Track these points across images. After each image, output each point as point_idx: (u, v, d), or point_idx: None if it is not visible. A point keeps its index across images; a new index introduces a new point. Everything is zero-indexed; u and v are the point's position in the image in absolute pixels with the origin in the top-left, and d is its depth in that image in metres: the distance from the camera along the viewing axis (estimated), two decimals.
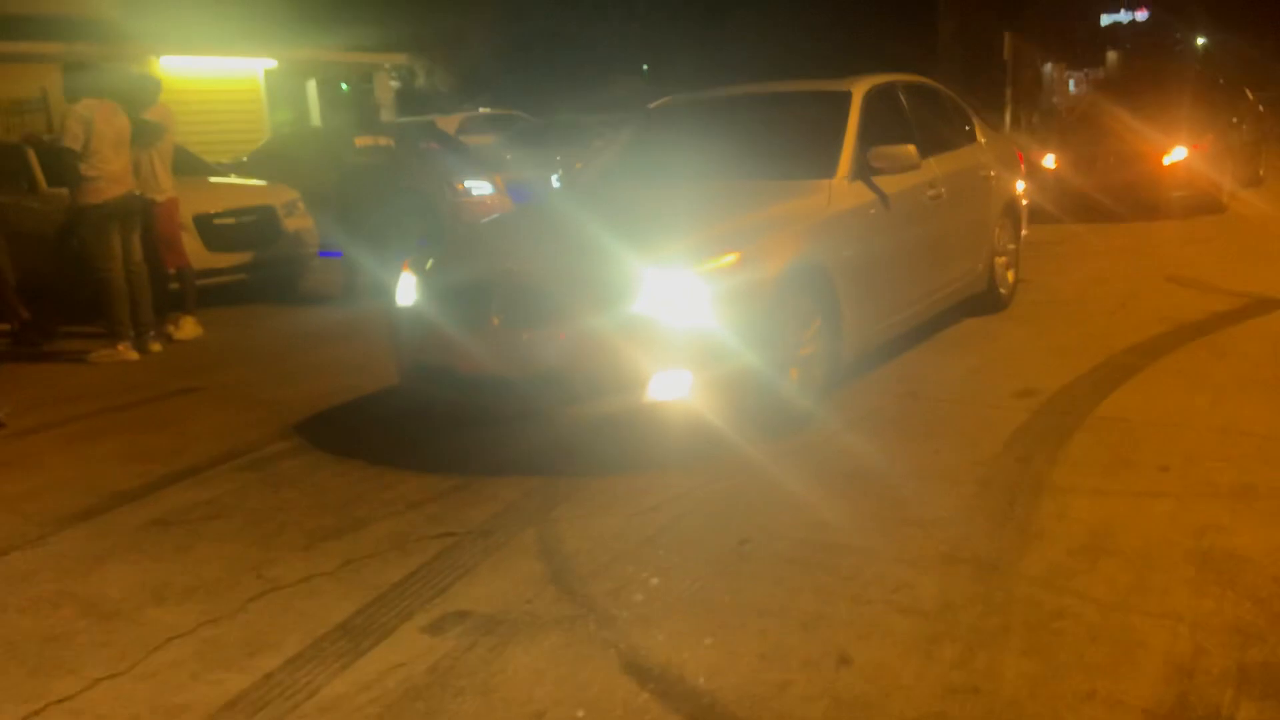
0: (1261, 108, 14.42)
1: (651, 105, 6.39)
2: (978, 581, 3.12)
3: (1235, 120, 12.56)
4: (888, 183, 5.36)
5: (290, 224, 9.62)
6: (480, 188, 11.68)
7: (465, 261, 4.83)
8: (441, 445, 4.66)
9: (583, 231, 4.76)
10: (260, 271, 9.32)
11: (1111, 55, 25.68)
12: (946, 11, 22.71)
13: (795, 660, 2.73)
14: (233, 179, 10.54)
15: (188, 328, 7.76)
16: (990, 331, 6.47)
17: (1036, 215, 11.75)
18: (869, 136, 5.40)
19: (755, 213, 4.74)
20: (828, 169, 5.18)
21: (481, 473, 4.29)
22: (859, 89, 5.67)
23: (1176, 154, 11.21)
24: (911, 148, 5.23)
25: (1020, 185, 7.48)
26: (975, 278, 6.61)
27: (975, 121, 6.96)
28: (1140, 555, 3.25)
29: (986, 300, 6.88)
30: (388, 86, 25.27)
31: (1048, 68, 36.72)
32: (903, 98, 6.10)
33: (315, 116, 23.73)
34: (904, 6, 27.75)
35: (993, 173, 6.73)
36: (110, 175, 6.97)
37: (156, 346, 7.32)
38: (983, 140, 6.88)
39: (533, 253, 4.60)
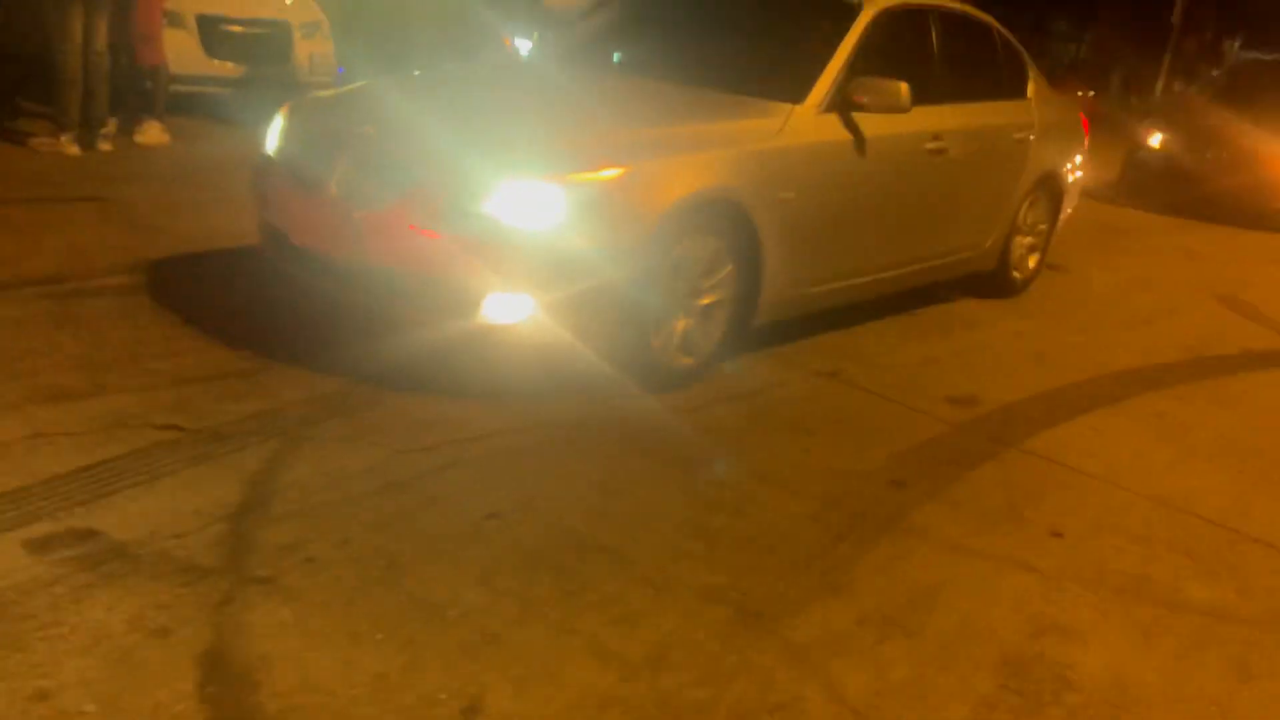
0: None
1: None
2: (726, 632, 2.47)
3: None
4: (872, 122, 4.51)
5: (306, 46, 9.02)
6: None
7: (334, 111, 4.17)
8: (271, 319, 4.11)
9: (477, 113, 4.07)
10: (261, 89, 8.77)
11: None
12: None
13: (412, 696, 2.15)
14: None
15: (151, 133, 7.28)
16: (977, 319, 5.63)
17: (1114, 197, 10.63)
18: (865, 65, 4.53)
19: (678, 126, 3.97)
20: (797, 93, 4.35)
21: (285, 359, 3.73)
22: (874, 5, 4.76)
23: None
24: (902, 85, 4.35)
25: (1076, 158, 6.49)
26: (980, 254, 5.73)
27: (1030, 73, 5.95)
28: (942, 645, 2.56)
29: (993, 282, 6.02)
30: None
31: (1236, 43, 33.36)
32: (935, 28, 5.15)
33: None
34: None
35: (1031, 136, 5.76)
36: None
37: (107, 146, 6.86)
38: (1032, 97, 5.89)
39: (407, 119, 3.91)
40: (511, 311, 3.49)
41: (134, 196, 5.83)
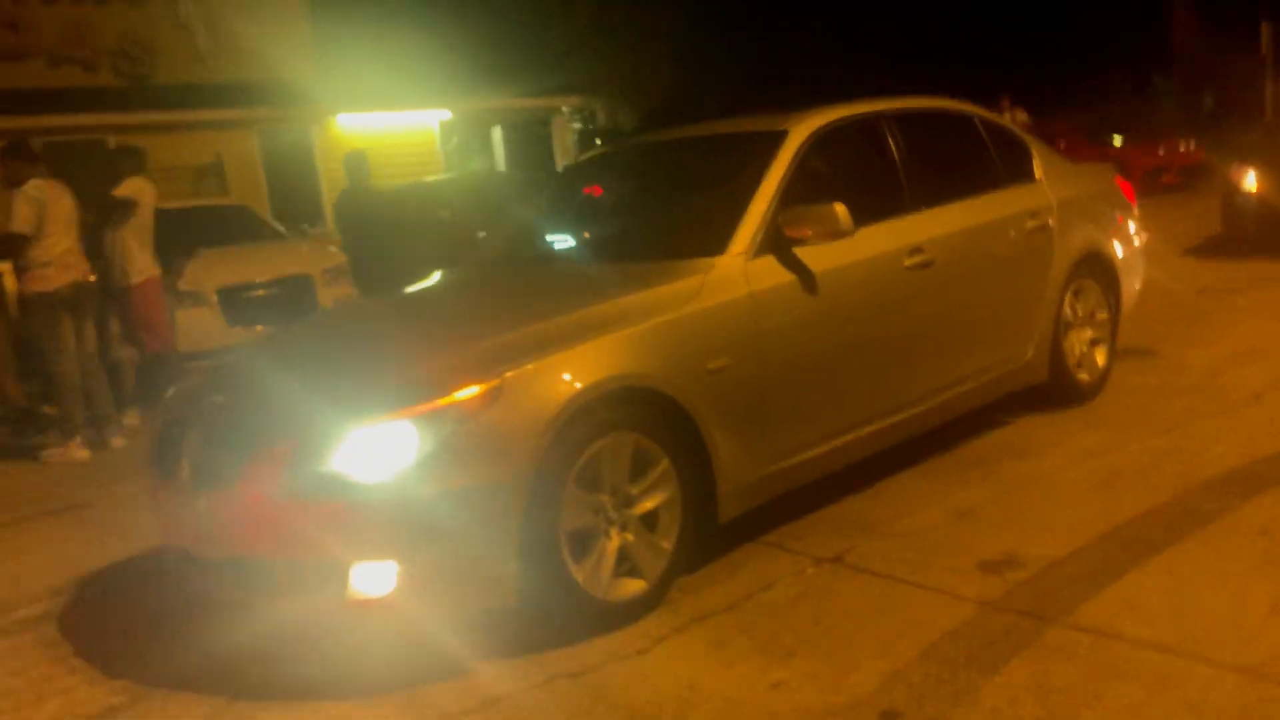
0: None
1: (580, 159, 5.14)
2: None
3: None
4: (826, 255, 3.86)
5: (329, 293, 9.00)
6: None
7: (192, 386, 3.78)
8: (165, 637, 3.63)
9: (342, 353, 3.62)
10: None
11: None
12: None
13: None
14: (289, 243, 10.10)
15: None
16: (1033, 442, 4.72)
17: (1219, 250, 9.50)
18: (804, 195, 3.92)
19: (567, 315, 3.39)
20: (716, 244, 3.76)
21: (164, 684, 3.21)
22: (801, 128, 4.18)
23: None
24: (836, 207, 3.71)
25: (1128, 227, 5.63)
26: (1024, 365, 4.88)
27: (1035, 152, 5.21)
28: None
29: (1057, 392, 5.12)
30: (565, 129, 24.95)
31: None
32: (891, 133, 4.51)
33: (502, 162, 23.83)
34: None
35: (1050, 221, 4.97)
36: (60, 261, 6.48)
37: (120, 441, 6.77)
38: (1042, 178, 5.13)
39: (263, 378, 3.48)
40: (381, 582, 2.90)
41: (125, 496, 5.58)
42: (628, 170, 4.77)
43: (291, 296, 8.80)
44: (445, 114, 22.24)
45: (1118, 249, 5.44)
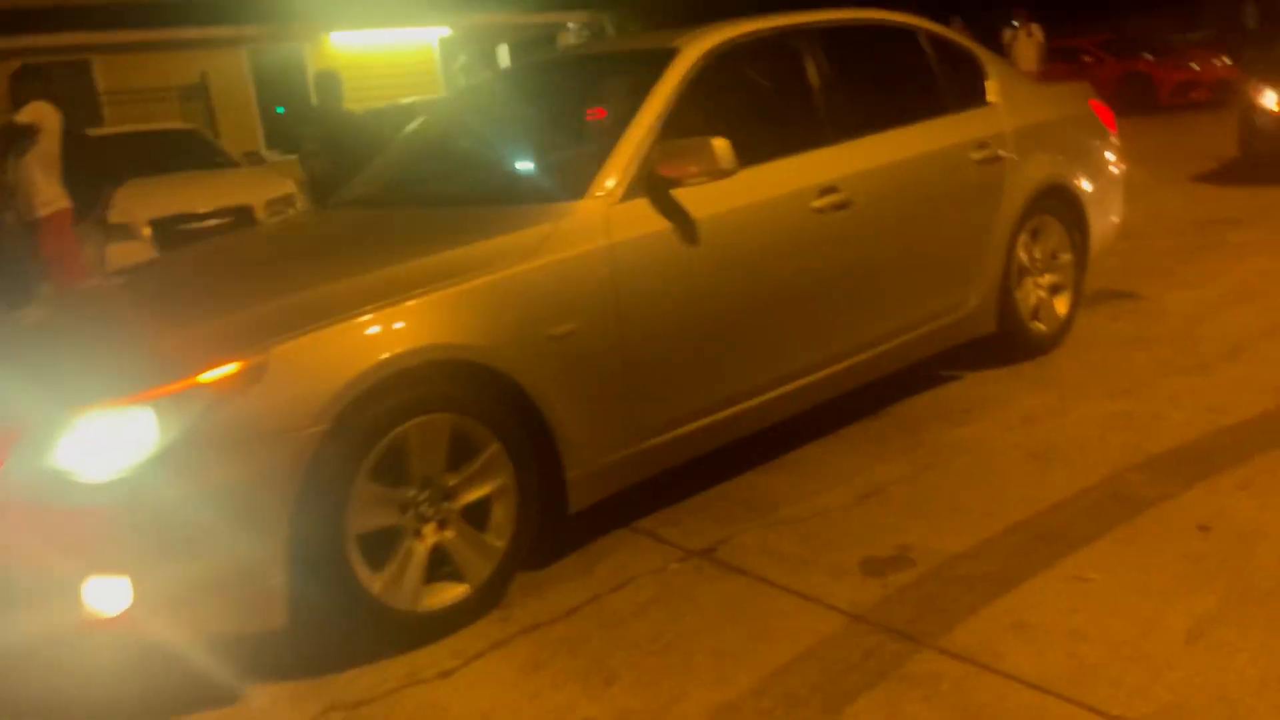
0: None
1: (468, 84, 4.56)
2: None
3: None
4: (709, 198, 3.31)
5: None
6: None
7: None
8: None
9: (109, 318, 3.14)
10: None
11: None
12: None
13: None
14: (233, 172, 9.56)
15: None
16: (976, 403, 4.19)
17: (1232, 175, 8.76)
18: (693, 127, 3.35)
19: (374, 271, 2.87)
20: (574, 185, 3.21)
21: None
22: (694, 47, 3.59)
23: None
24: (715, 141, 3.14)
25: (1103, 156, 5.01)
26: (968, 315, 4.33)
27: (991, 72, 4.57)
28: None
29: (1011, 344, 4.57)
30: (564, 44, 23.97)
31: None
32: (809, 54, 3.89)
33: None
34: None
35: (1002, 151, 4.36)
36: None
37: None
38: (997, 101, 4.50)
39: (7, 348, 3.00)
40: (117, 599, 2.45)
41: None
42: (508, 97, 4.20)
43: (232, 229, 8.31)
44: (444, 31, 21.43)
45: (1085, 183, 4.81)
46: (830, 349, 3.78)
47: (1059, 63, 17.36)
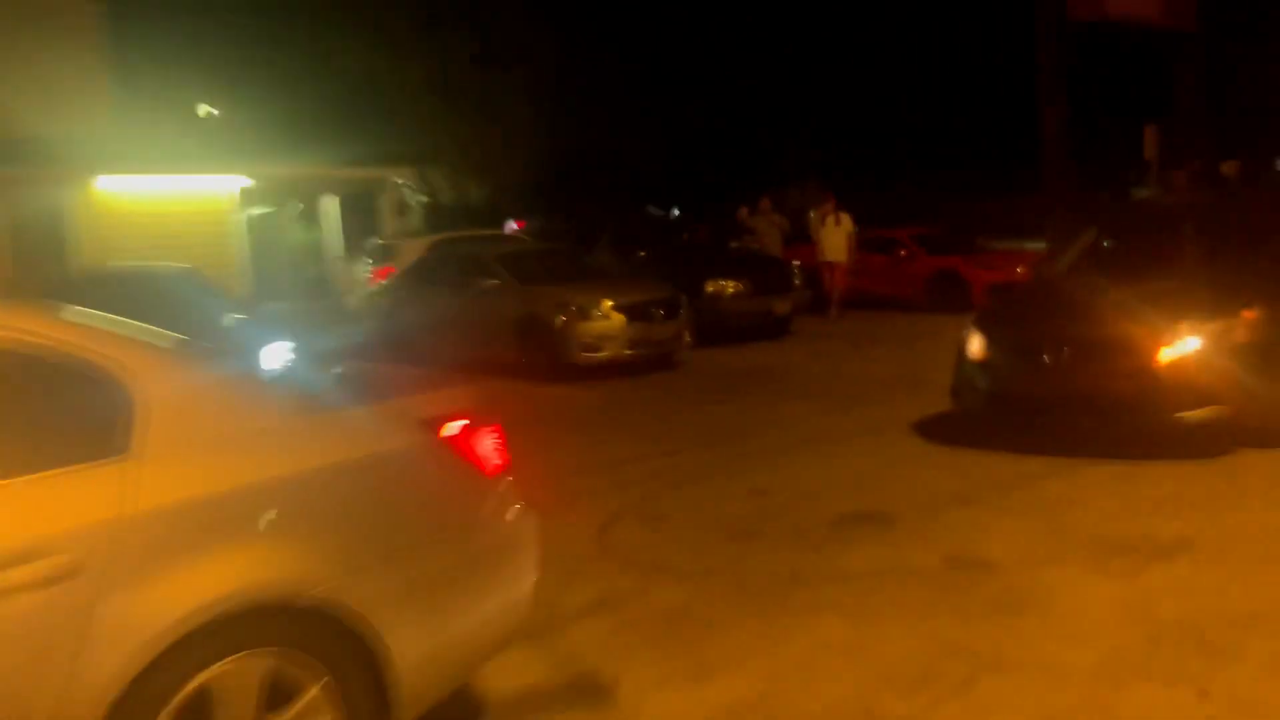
0: None
1: None
2: None
3: None
4: None
5: None
6: None
7: None
8: None
9: None
10: None
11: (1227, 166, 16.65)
12: (1053, 96, 16.33)
13: None
14: None
15: None
16: None
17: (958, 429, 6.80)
18: None
19: None
20: None
21: None
22: None
23: (1184, 345, 6.11)
24: None
25: (467, 519, 3.02)
26: None
27: (146, 402, 2.54)
28: None
29: None
30: (398, 202, 22.33)
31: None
32: None
33: (339, 235, 21.29)
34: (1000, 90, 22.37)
35: (89, 558, 2.30)
36: None
37: None
38: (148, 449, 2.47)
39: None
40: None
41: None
42: None
43: None
44: (244, 180, 19.59)
45: (391, 581, 2.77)
46: None
47: (876, 254, 16.03)
